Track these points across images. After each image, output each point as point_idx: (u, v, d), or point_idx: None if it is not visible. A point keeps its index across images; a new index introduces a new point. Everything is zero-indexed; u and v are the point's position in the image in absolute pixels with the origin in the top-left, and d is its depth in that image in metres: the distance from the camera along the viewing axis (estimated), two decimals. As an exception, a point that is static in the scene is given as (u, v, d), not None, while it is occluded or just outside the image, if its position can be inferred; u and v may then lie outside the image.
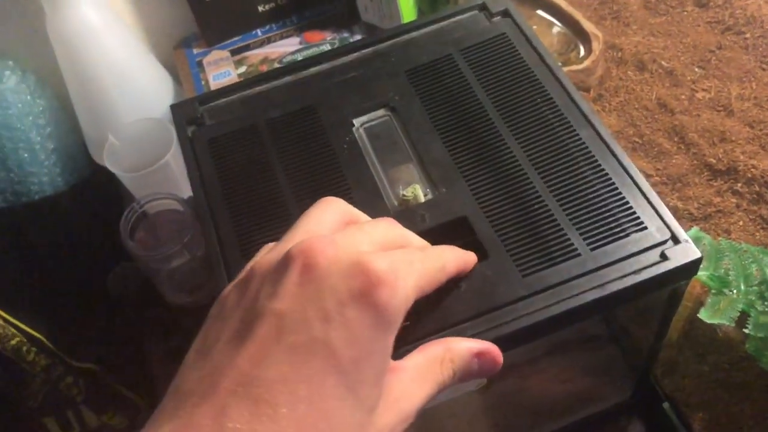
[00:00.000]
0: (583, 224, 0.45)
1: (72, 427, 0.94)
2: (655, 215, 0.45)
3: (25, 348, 0.83)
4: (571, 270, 0.43)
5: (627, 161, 0.48)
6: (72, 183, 0.85)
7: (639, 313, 0.54)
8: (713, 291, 0.57)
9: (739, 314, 0.56)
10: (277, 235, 0.48)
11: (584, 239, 0.44)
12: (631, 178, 0.47)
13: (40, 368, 0.86)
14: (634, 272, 0.43)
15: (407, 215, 0.47)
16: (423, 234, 0.46)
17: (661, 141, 0.73)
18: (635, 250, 0.44)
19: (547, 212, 0.46)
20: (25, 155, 0.79)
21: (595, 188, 0.46)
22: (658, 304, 0.48)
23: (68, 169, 0.84)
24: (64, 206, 0.86)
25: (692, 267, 0.43)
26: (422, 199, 0.48)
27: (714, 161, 0.70)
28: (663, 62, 0.79)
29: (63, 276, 0.89)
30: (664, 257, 0.43)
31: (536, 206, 0.46)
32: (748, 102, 0.74)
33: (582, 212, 0.45)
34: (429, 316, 0.42)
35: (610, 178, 0.47)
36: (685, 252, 0.43)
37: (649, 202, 0.46)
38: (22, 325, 0.84)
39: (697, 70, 0.78)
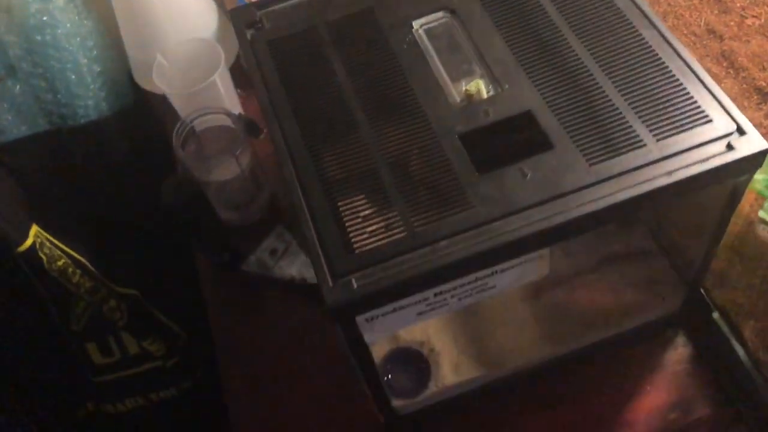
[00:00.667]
0: (648, 116, 0.45)
1: (112, 352, 0.95)
2: (720, 108, 0.45)
3: (70, 269, 0.85)
4: (637, 159, 0.44)
5: (690, 58, 0.48)
6: (116, 109, 0.86)
7: (695, 216, 0.54)
8: (768, 200, 0.58)
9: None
10: (340, 132, 0.48)
11: (650, 131, 0.45)
12: (695, 73, 0.47)
13: (84, 290, 0.87)
14: (701, 161, 0.43)
15: (470, 110, 0.48)
16: (487, 128, 0.47)
17: (710, 65, 0.72)
18: (701, 140, 0.44)
19: (611, 106, 0.46)
20: (72, 77, 0.80)
21: (659, 83, 0.47)
22: (719, 201, 0.49)
23: (113, 93, 0.85)
24: (108, 132, 0.86)
25: (758, 157, 0.44)
26: (485, 95, 0.48)
27: (764, 84, 0.70)
28: (711, -10, 0.78)
29: (107, 201, 0.90)
30: (730, 147, 0.43)
31: (601, 101, 0.46)
32: (798, 28, 0.74)
33: (647, 105, 0.46)
34: (494, 203, 0.43)
35: (674, 74, 0.47)
36: (751, 142, 0.43)
37: (714, 96, 0.46)
38: (67, 248, 0.85)
39: (745, -3, 0.78)
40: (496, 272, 0.45)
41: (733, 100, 0.70)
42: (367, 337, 0.46)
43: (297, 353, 0.66)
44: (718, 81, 0.71)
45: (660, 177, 0.43)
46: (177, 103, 0.74)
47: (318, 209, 0.45)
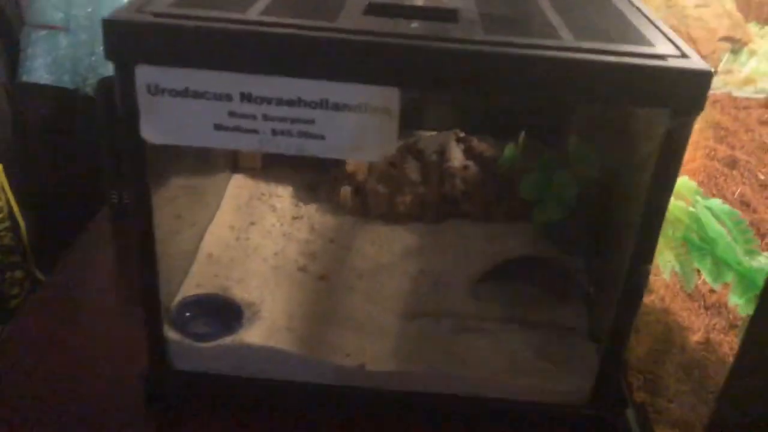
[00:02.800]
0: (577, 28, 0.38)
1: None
2: (667, 41, 0.37)
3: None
4: (546, 42, 0.35)
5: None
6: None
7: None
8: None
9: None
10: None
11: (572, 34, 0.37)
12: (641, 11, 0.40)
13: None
14: (621, 54, 0.34)
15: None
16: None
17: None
18: (632, 51, 0.35)
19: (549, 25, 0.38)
20: None
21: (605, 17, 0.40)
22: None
23: None
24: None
25: (701, 81, 0.34)
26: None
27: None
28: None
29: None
30: (663, 58, 0.34)
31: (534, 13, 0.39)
32: None
33: (581, 22, 0.38)
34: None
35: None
36: (693, 63, 0.34)
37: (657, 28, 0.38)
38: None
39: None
40: (326, 105, 0.35)
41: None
42: (147, 129, 0.35)
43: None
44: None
45: (568, 52, 0.34)
46: None
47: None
